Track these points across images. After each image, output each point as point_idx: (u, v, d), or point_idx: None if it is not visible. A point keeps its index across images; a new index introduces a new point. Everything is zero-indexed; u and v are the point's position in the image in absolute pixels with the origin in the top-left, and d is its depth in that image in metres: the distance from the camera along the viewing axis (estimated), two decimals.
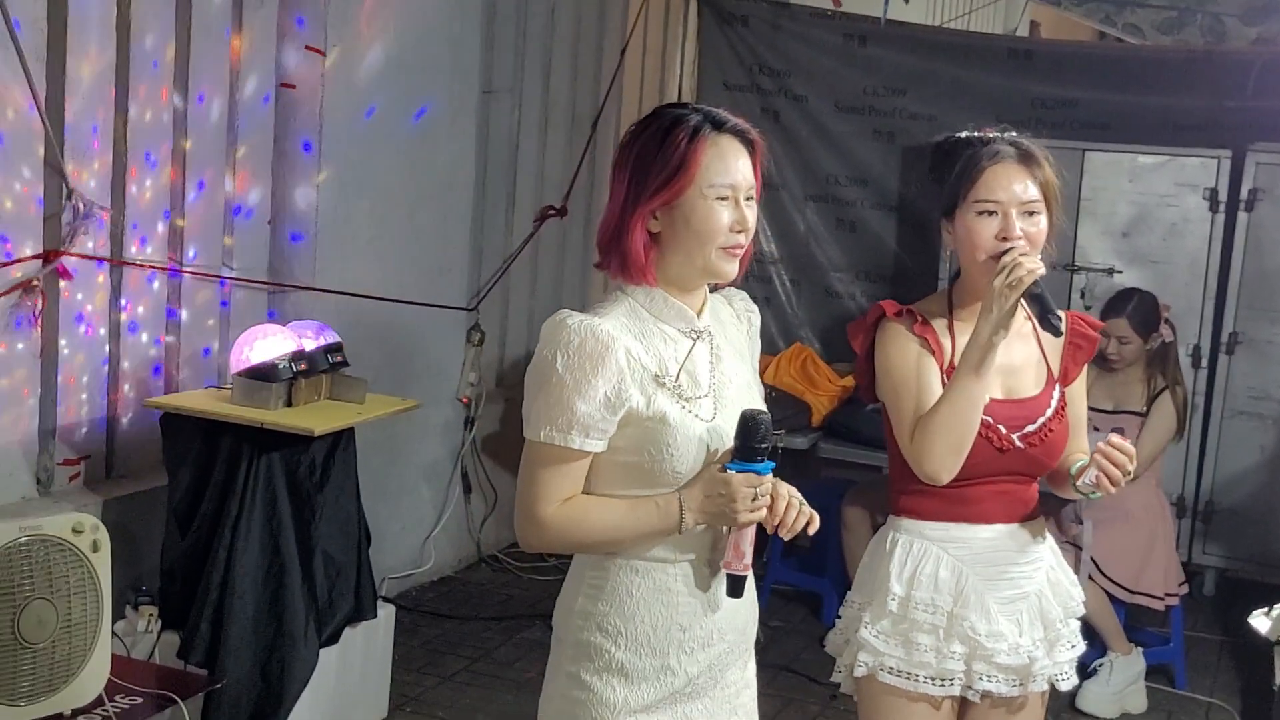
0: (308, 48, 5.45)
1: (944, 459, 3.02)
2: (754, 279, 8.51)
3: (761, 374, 6.06)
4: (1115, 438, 3.07)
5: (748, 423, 2.56)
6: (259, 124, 5.39)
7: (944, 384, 3.09)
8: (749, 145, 2.63)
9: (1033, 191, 3.08)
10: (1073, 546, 5.72)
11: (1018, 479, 3.14)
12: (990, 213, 3.06)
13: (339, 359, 4.87)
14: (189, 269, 5.12)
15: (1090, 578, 5.65)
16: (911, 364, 3.11)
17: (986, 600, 3.10)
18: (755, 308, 2.89)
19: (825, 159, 8.24)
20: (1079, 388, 3.27)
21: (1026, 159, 3.10)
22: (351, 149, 5.70)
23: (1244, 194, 7.01)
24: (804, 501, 2.62)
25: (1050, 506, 5.70)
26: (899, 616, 3.13)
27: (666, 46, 8.49)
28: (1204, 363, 7.09)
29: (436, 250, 6.39)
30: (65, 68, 4.52)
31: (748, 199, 2.61)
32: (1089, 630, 5.77)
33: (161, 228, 5.00)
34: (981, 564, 3.12)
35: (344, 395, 4.85)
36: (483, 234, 6.88)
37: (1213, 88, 7.38)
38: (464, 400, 6.67)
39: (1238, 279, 7.05)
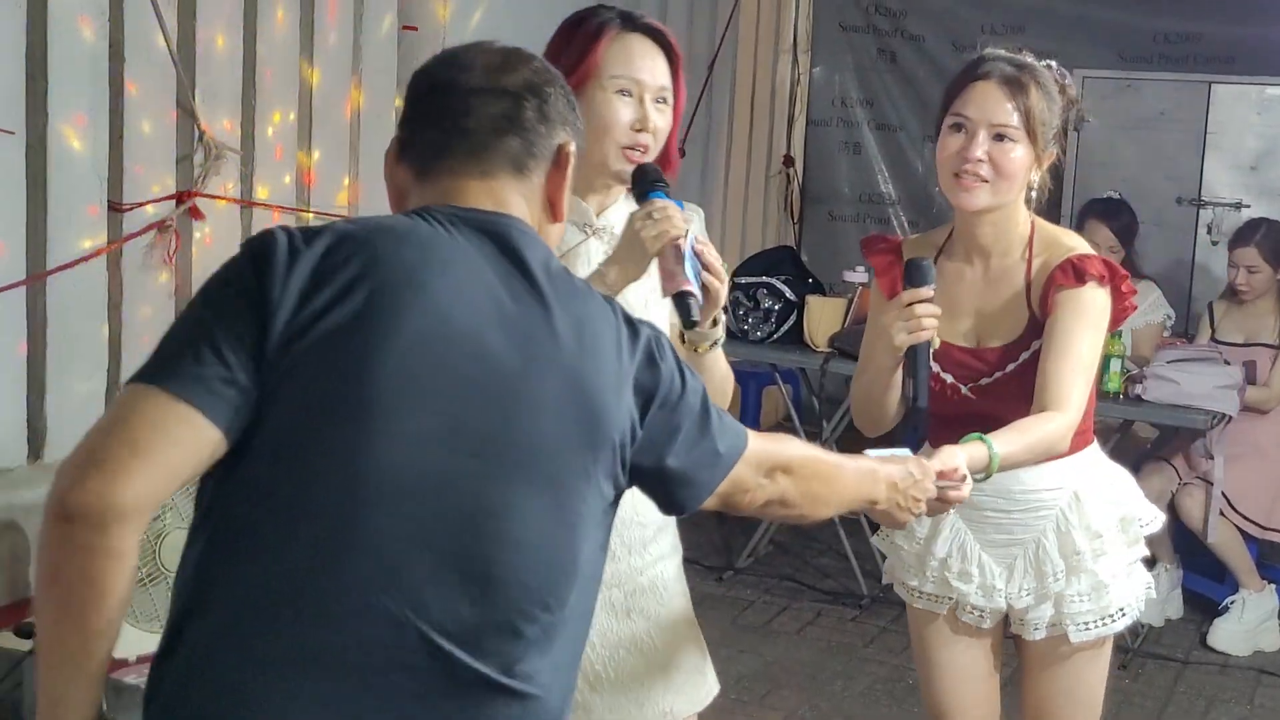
0: None
1: (865, 426, 3.07)
2: (871, 220, 8.49)
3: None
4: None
5: (636, 173, 2.55)
6: (383, 67, 5.44)
7: None
8: (666, 49, 2.62)
9: (1008, 117, 2.84)
10: (1204, 482, 5.65)
11: (993, 423, 2.79)
12: (959, 128, 2.86)
13: None
14: (316, 211, 5.19)
15: (1221, 513, 5.59)
16: (871, 311, 3.10)
17: (965, 540, 3.03)
18: (696, 216, 2.68)
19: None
20: (1057, 314, 2.87)
21: (1012, 83, 2.86)
22: None
23: None
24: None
25: (1180, 441, 5.69)
26: (888, 533, 3.16)
27: None
28: None
29: None
30: (196, 11, 4.58)
31: (658, 101, 2.60)
32: (1220, 568, 5.74)
33: (289, 171, 5.07)
34: (965, 505, 2.80)
35: None
36: None
37: None
38: None
39: None
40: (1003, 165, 2.84)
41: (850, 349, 5.90)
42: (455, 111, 1.93)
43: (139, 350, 4.51)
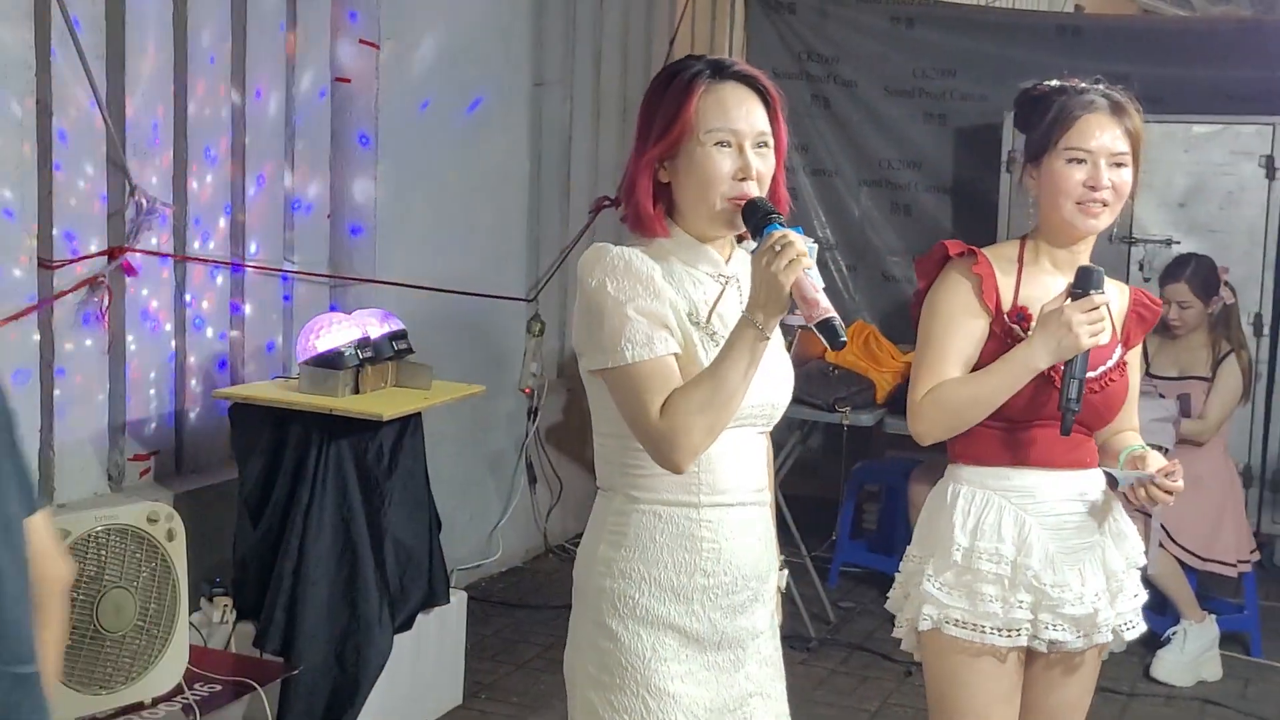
0: (362, 41, 5.49)
1: (940, 433, 3.13)
2: None
3: (823, 354, 6.10)
4: (1166, 481, 3.05)
5: (746, 209, 2.54)
6: (316, 118, 5.43)
7: (992, 330, 3.10)
8: (760, 93, 2.60)
9: (1122, 144, 3.11)
10: (1142, 514, 5.68)
11: (1075, 427, 3.10)
12: (1080, 161, 3.09)
13: (404, 346, 4.89)
14: (251, 264, 5.16)
15: (1161, 545, 5.62)
16: (953, 316, 3.13)
17: (1050, 549, 3.10)
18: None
19: (877, 143, 8.24)
20: (1136, 357, 3.28)
21: (1118, 110, 3.14)
22: (407, 142, 5.73)
23: None
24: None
25: None
26: (963, 568, 3.11)
27: (714, 35, 8.51)
28: (1266, 330, 7.03)
29: (494, 242, 6.42)
30: (125, 66, 4.56)
31: (759, 146, 2.58)
32: (1161, 600, 5.76)
33: (223, 223, 5.05)
34: (1045, 514, 3.12)
35: (410, 382, 4.87)
36: (539, 225, 6.90)
37: (1264, 56, 7.35)
38: (526, 391, 6.69)
39: None
40: (1121, 189, 3.12)
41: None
42: None
43: (73, 409, 4.47)
